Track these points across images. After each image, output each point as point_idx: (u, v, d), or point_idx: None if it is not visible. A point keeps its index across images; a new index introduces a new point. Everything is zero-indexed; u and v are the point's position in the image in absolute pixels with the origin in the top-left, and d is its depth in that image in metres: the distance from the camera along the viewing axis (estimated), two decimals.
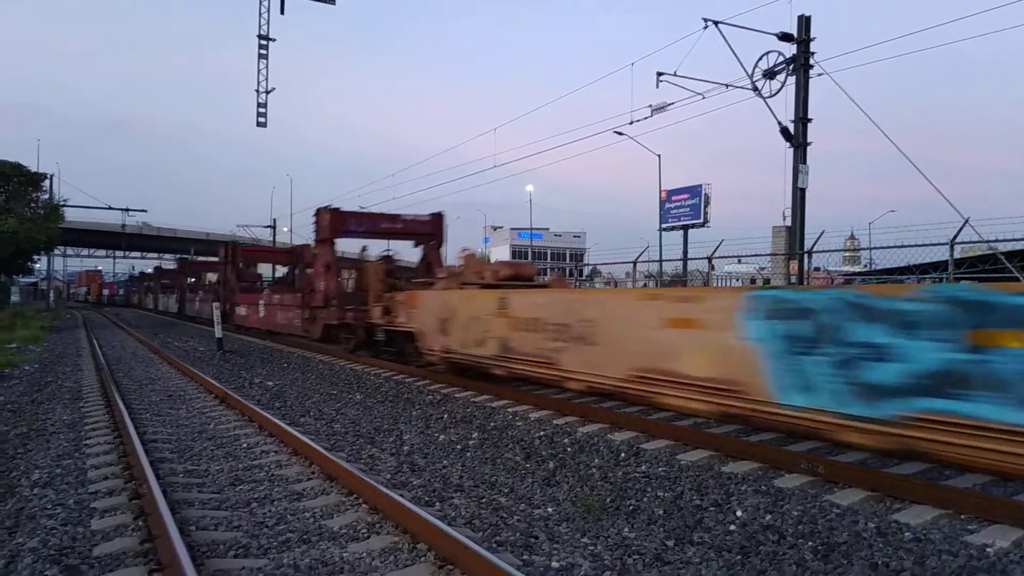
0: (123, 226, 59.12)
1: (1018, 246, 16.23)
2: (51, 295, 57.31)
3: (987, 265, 17.46)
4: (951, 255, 15.42)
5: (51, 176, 42.77)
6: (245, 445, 7.72)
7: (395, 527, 4.97)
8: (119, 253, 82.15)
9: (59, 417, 9.25)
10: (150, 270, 64.77)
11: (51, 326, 30.10)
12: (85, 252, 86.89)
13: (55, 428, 8.56)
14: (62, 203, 43.01)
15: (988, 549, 4.49)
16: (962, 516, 5.08)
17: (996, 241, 15.79)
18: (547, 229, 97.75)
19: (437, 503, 5.73)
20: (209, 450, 7.51)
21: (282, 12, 27.17)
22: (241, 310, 27.28)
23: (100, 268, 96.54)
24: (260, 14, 27.37)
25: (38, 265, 53.63)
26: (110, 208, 53.46)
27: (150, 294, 54.05)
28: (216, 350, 19.05)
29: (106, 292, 78.40)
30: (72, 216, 50.06)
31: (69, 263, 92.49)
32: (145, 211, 56.28)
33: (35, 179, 39.11)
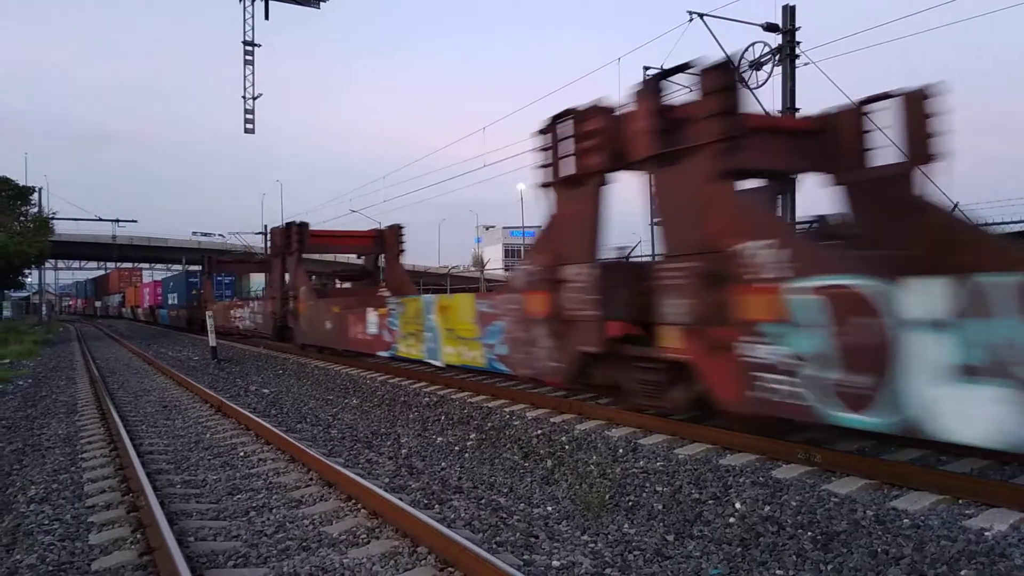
0: (113, 237, 58.79)
1: (1012, 228, 16.34)
2: (43, 309, 57.10)
3: None
4: None
5: (39, 189, 42.59)
6: (242, 454, 7.70)
7: (395, 531, 4.96)
8: (110, 265, 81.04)
9: (54, 431, 9.21)
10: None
11: (45, 340, 29.97)
12: (76, 264, 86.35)
13: (50, 443, 8.51)
14: (51, 216, 42.80)
15: (986, 533, 4.51)
16: (960, 501, 5.10)
17: (988, 225, 15.85)
18: (540, 227, 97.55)
19: (436, 505, 5.73)
20: (206, 460, 7.49)
21: (266, 18, 27.05)
22: (320, 321, 17.48)
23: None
24: (245, 20, 27.28)
25: (29, 279, 53.39)
26: (99, 219, 53.21)
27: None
28: (211, 359, 18.99)
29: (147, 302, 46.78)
30: (62, 228, 49.82)
31: (60, 275, 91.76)
32: (135, 221, 55.99)
33: (24, 193, 38.92)
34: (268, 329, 21.32)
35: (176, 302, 37.23)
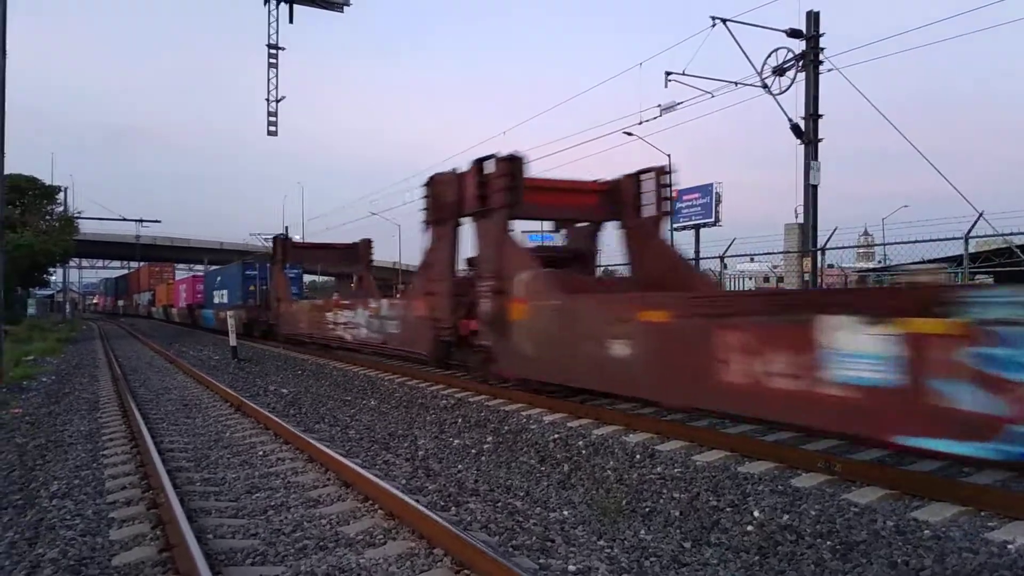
0: (137, 237, 59.50)
1: None
2: (67, 307, 57.87)
3: (1003, 259, 17.32)
4: (965, 249, 15.32)
5: (65, 189, 43.28)
6: (261, 453, 7.76)
7: (411, 532, 4.98)
8: (133, 264, 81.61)
9: (76, 428, 9.33)
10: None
11: (68, 338, 30.37)
12: (100, 263, 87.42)
13: (73, 439, 8.62)
14: (76, 215, 43.43)
15: (1009, 546, 4.44)
16: (982, 513, 5.03)
17: (1011, 235, 15.65)
18: (559, 231, 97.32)
19: (453, 508, 5.73)
20: (225, 458, 7.55)
21: (291, 21, 27.34)
22: (575, 338, 8.68)
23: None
24: (269, 23, 27.56)
25: (54, 277, 54.17)
26: (124, 219, 53.88)
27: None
28: (231, 358, 19.15)
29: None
30: (86, 228, 50.48)
31: (84, 274, 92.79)
32: (159, 222, 56.56)
33: (50, 192, 39.62)
34: (423, 345, 12.70)
35: (226, 300, 29.42)
